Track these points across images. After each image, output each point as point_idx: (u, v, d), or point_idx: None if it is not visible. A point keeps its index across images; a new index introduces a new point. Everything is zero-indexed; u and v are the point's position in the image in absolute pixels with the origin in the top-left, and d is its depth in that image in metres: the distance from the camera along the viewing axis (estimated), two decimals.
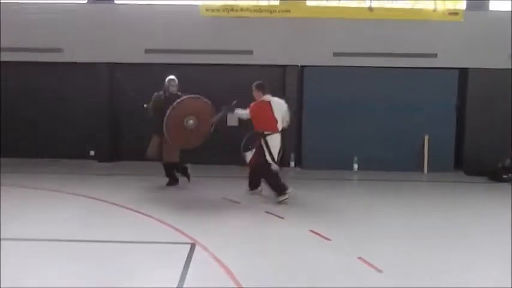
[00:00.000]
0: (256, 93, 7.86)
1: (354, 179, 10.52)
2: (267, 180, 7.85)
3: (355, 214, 7.29)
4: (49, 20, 10.83)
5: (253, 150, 7.87)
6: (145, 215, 6.80)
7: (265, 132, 7.73)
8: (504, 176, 10.29)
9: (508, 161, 10.81)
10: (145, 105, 8.51)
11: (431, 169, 10.91)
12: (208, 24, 10.89)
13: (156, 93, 8.43)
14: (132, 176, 9.78)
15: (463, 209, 7.90)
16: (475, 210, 7.86)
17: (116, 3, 11.06)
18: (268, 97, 7.83)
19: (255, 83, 7.95)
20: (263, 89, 7.85)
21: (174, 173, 8.73)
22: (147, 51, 10.92)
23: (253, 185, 8.16)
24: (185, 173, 8.78)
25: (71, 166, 10.74)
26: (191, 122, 8.22)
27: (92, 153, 11.48)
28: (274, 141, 7.81)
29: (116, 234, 6.00)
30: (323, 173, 10.51)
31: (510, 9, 10.91)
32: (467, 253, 5.56)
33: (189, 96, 8.30)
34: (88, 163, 11.14)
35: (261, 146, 7.71)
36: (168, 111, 7.97)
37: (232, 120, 11.21)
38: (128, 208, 7.14)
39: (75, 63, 11.09)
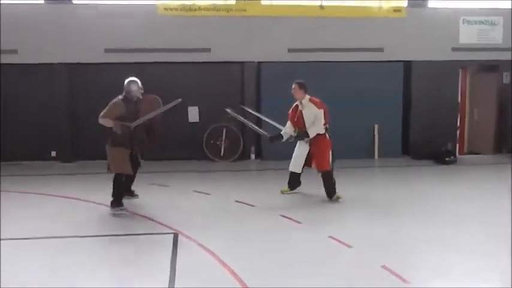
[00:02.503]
0: (298, 92, 7.55)
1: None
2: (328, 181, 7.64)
3: (320, 198, 7.88)
4: (5, 21, 10.73)
5: (301, 149, 7.69)
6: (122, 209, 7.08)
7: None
8: (447, 159, 11.24)
9: (449, 145, 11.81)
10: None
11: (381, 155, 11.74)
12: (167, 23, 11.15)
13: (115, 101, 7.13)
14: (98, 175, 9.93)
15: (411, 188, 8.75)
16: (422, 188, 8.70)
17: (74, 3, 11.11)
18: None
19: (297, 81, 7.60)
20: (306, 88, 7.58)
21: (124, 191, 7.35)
22: (107, 50, 11.06)
23: (334, 189, 7.67)
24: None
25: (33, 168, 10.75)
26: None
27: (54, 154, 11.50)
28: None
29: (98, 230, 6.28)
30: (282, 163, 11.03)
31: (447, 6, 11.89)
32: (419, 224, 6.27)
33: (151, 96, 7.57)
34: (50, 164, 11.17)
35: (329, 141, 7.56)
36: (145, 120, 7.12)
37: (192, 117, 11.61)
38: (100, 204, 7.40)
39: (33, 64, 11.06)
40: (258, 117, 9.37)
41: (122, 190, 7.18)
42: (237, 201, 7.60)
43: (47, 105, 11.28)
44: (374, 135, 11.78)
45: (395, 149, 11.93)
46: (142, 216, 6.82)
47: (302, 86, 7.56)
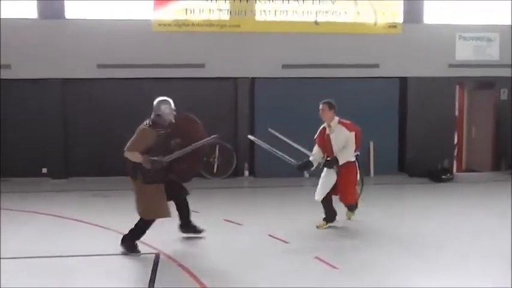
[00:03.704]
0: (327, 113, 6.74)
1: (306, 185, 10.98)
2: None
3: (311, 217, 7.69)
4: None
5: (329, 176, 6.78)
6: (109, 229, 6.92)
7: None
8: (443, 177, 11.06)
9: (446, 162, 11.64)
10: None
11: (377, 172, 11.55)
12: (160, 38, 11.09)
13: (143, 127, 5.79)
14: (88, 192, 9.80)
15: (406, 207, 8.56)
16: (416, 208, 8.50)
17: (67, 19, 11.08)
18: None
19: (325, 100, 6.82)
20: (335, 108, 6.80)
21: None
22: (100, 66, 11.00)
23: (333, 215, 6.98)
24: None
25: (23, 184, 10.61)
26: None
27: (45, 170, 11.38)
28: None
29: (81, 248, 6.11)
30: (276, 180, 10.90)
31: (443, 22, 11.82)
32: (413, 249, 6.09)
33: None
34: (41, 181, 11.05)
35: (357, 169, 6.83)
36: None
37: None
38: (90, 223, 7.24)
39: (26, 79, 10.99)
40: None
41: (143, 234, 5.89)
42: (226, 220, 7.42)
43: (39, 121, 11.20)
44: (370, 152, 11.62)
45: (391, 166, 11.77)
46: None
47: (332, 107, 6.73)
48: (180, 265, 5.40)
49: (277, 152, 7.16)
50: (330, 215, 6.91)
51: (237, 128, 11.38)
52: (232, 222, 7.33)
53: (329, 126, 6.76)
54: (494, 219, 7.39)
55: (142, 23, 11.07)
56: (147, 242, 6.15)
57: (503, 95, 12.24)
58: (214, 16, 11.16)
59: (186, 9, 11.06)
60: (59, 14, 11.03)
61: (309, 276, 5.13)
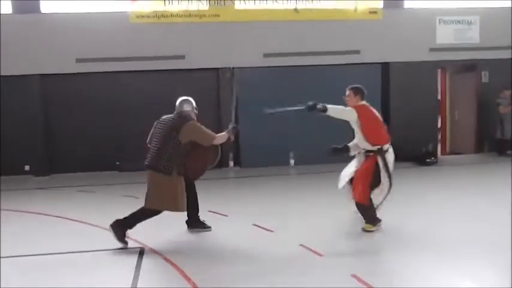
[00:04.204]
0: (352, 100, 6.02)
1: (292, 174, 10.99)
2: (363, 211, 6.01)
3: (297, 206, 7.69)
4: None
5: (351, 165, 6.25)
6: (92, 224, 6.85)
7: (383, 147, 5.92)
8: (427, 160, 11.12)
9: (430, 146, 11.70)
10: None
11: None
12: (139, 31, 10.95)
13: (190, 121, 5.84)
14: (73, 188, 9.70)
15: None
16: (403, 191, 8.53)
17: (43, 13, 10.87)
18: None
19: (351, 86, 6.10)
20: (362, 94, 6.07)
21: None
22: (79, 60, 10.83)
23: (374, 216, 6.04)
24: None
25: (6, 182, 10.45)
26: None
27: (27, 168, 11.22)
28: (391, 157, 6.03)
29: (68, 246, 6.03)
30: (262, 170, 10.88)
31: (423, 7, 11.82)
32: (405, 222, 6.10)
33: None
34: (24, 178, 10.89)
35: (374, 167, 5.87)
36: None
37: None
38: (72, 220, 7.15)
39: (4, 76, 10.78)
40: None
41: (136, 224, 5.85)
42: (210, 211, 7.37)
43: (19, 118, 11.02)
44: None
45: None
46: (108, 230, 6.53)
47: (357, 92, 6.03)
48: (166, 259, 5.35)
49: (288, 108, 6.43)
50: (368, 216, 5.98)
51: (220, 118, 11.31)
52: (217, 213, 7.28)
53: None
54: (482, 200, 7.45)
55: (120, 15, 10.90)
56: (132, 237, 6.09)
57: (485, 77, 12.31)
58: (193, 6, 11.02)
59: (165, 0, 10.91)
60: (35, 8, 10.82)
61: (294, 264, 5.11)
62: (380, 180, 5.89)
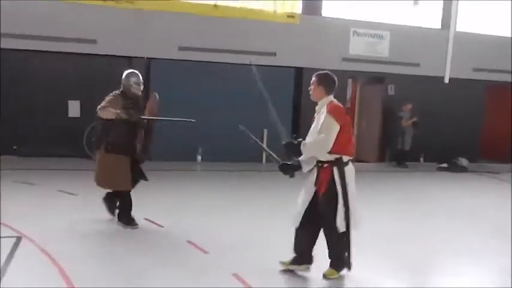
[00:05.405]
0: (315, 89, 4.77)
1: (197, 170, 10.92)
2: (332, 244, 4.68)
3: (195, 202, 7.61)
4: None
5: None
6: None
7: (344, 159, 4.63)
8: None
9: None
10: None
11: (269, 160, 11.69)
12: (50, 9, 10.33)
13: (113, 94, 5.82)
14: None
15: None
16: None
17: None
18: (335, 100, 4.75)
19: (318, 72, 4.83)
20: (330, 85, 4.77)
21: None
22: None
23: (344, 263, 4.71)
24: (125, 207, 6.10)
25: None
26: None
27: None
28: (351, 174, 4.71)
29: None
30: (169, 164, 10.68)
31: (340, 17, 12.19)
32: None
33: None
34: None
35: (332, 183, 4.59)
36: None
37: (73, 112, 10.91)
38: None
39: None
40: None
41: (131, 205, 5.92)
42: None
43: None
44: (263, 139, 11.73)
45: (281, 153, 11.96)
46: None
47: (321, 81, 4.73)
48: (42, 249, 5.08)
49: (266, 149, 5.62)
50: (336, 260, 4.71)
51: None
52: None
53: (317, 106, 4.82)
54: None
55: None
56: (11, 225, 5.74)
57: (391, 90, 12.93)
58: None
59: None
60: None
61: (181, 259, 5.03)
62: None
